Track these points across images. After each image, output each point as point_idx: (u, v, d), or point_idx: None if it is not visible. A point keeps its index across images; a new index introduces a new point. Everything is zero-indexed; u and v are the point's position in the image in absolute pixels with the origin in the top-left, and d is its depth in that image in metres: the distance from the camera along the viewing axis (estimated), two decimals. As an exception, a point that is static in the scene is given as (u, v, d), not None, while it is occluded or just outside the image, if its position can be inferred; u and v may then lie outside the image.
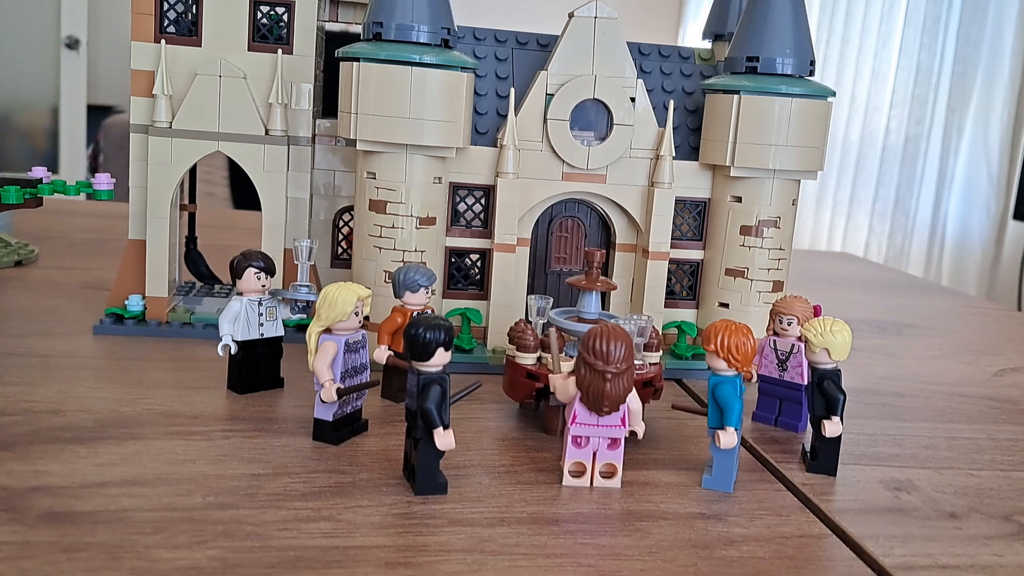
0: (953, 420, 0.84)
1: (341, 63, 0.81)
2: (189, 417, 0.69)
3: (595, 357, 0.58)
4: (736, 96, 0.85)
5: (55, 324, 0.90)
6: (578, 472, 0.61)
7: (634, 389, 0.61)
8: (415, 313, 0.74)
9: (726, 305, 0.90)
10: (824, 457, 0.67)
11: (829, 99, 0.86)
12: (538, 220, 0.91)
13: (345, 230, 0.99)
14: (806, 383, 0.74)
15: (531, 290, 0.92)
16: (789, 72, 0.85)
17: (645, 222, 0.89)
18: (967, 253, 4.68)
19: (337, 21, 0.99)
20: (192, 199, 1.03)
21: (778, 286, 0.89)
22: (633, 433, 0.62)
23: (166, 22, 0.89)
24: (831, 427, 0.66)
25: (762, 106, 0.84)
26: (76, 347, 0.84)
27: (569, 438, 0.61)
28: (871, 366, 1.01)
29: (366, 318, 0.68)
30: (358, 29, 0.96)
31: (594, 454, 0.61)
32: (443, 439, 0.56)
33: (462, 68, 0.80)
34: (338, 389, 0.64)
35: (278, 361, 0.77)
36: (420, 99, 0.78)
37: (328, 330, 0.65)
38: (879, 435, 0.78)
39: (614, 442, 0.61)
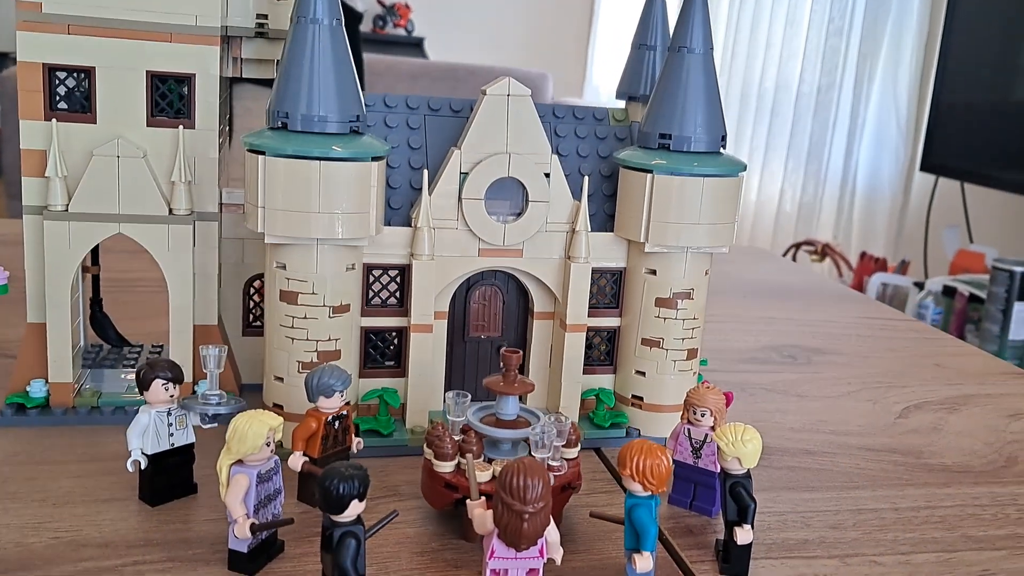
0: (858, 485, 0.87)
1: (247, 154, 0.78)
2: (99, 546, 0.67)
3: (512, 497, 0.58)
4: (649, 175, 0.85)
5: (-48, 414, 0.87)
6: (498, 602, 0.62)
7: (552, 521, 0.61)
8: (329, 418, 0.74)
9: (643, 373, 0.91)
10: (736, 560, 0.69)
11: (740, 175, 0.86)
12: (456, 290, 0.90)
13: (256, 297, 0.96)
14: (720, 470, 0.76)
15: (450, 359, 0.92)
16: (701, 149, 0.85)
17: (562, 294, 0.89)
18: (877, 201, 4.82)
19: (242, 78, 0.95)
20: (95, 260, 0.99)
21: (692, 353, 0.91)
22: (552, 560, 0.63)
23: (57, 98, 0.84)
24: (743, 535, 0.67)
25: (675, 186, 0.84)
26: (-24, 448, 0.81)
27: (488, 571, 0.61)
28: (781, 414, 1.04)
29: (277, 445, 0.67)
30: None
31: (513, 583, 0.62)
32: (360, 594, 0.56)
33: (373, 157, 0.79)
34: (252, 525, 0.63)
35: (190, 467, 0.76)
36: (330, 193, 0.76)
37: (239, 461, 0.64)
38: (788, 513, 0.80)
39: (532, 571, 0.62)
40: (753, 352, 1.27)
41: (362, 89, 0.81)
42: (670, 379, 0.90)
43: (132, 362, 0.99)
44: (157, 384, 0.72)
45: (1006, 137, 2.93)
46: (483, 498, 0.64)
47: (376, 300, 0.87)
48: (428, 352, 0.87)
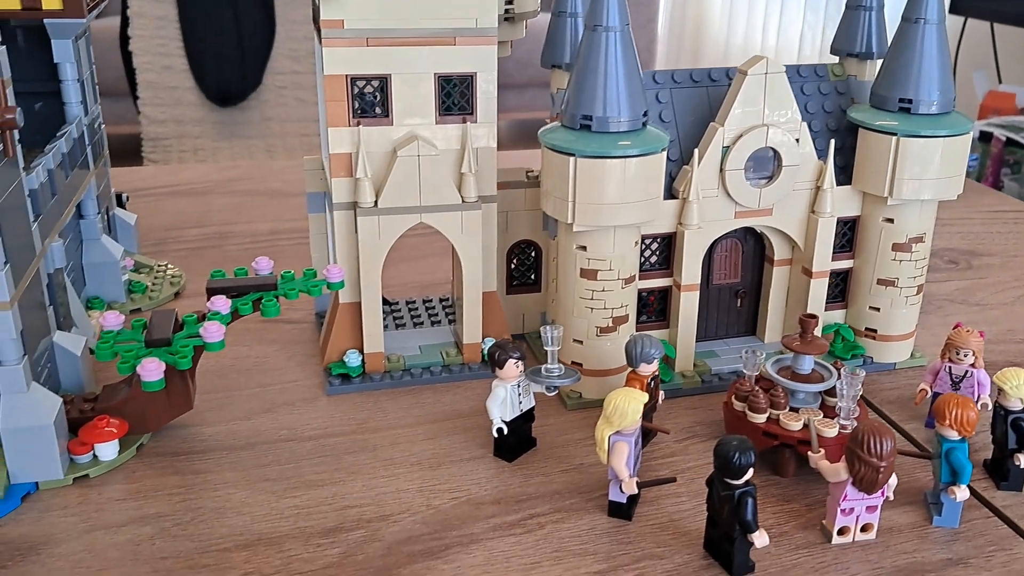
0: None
1: (550, 152, 0.88)
2: (494, 503, 0.81)
3: (869, 455, 0.71)
4: (894, 138, 0.94)
5: (279, 387, 1.00)
6: (845, 532, 0.76)
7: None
8: (649, 380, 0.87)
9: (877, 308, 1.03)
10: (1014, 479, 0.83)
11: (970, 132, 0.95)
12: (704, 246, 1.01)
13: (516, 261, 1.08)
14: (976, 400, 0.89)
15: (701, 305, 1.03)
16: (935, 111, 0.94)
17: (807, 246, 1.00)
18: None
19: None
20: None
21: (920, 288, 1.03)
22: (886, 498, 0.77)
23: (358, 105, 0.93)
24: (1026, 460, 0.81)
25: (917, 148, 0.94)
26: (327, 419, 0.94)
27: (839, 510, 0.75)
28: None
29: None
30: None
31: (856, 517, 0.76)
32: (760, 539, 0.71)
33: (661, 148, 0.88)
34: (637, 482, 0.77)
35: (530, 425, 0.89)
36: (628, 186, 0.87)
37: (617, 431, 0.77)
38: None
39: (871, 507, 0.76)
40: (918, 260, 1.38)
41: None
42: (902, 312, 1.02)
43: (401, 321, 1.11)
44: (511, 363, 0.84)
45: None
46: (822, 450, 0.78)
47: (646, 265, 0.98)
48: (693, 307, 0.99)
